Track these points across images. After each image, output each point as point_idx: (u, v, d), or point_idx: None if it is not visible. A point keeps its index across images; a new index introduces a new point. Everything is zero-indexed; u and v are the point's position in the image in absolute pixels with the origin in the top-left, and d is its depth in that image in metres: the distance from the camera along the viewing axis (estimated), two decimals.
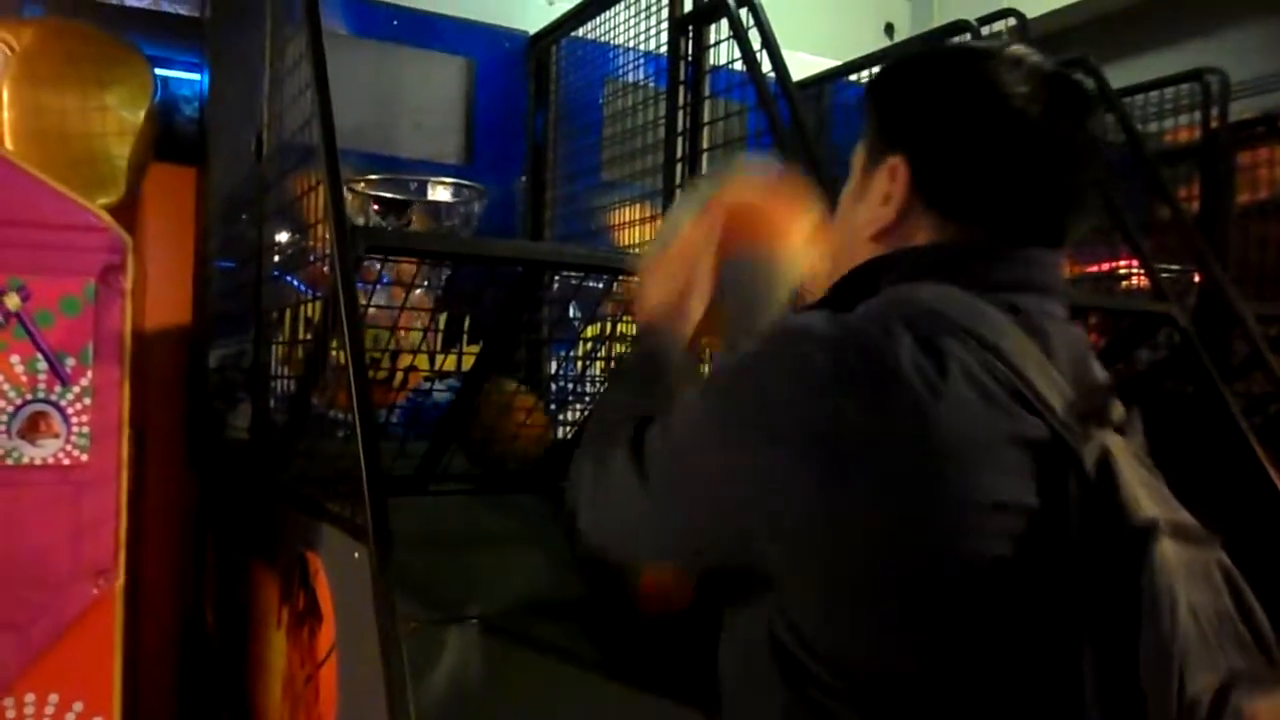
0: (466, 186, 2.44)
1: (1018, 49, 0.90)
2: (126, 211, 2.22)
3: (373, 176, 2.41)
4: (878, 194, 0.92)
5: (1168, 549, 0.73)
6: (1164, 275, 2.66)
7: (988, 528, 0.75)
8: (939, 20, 4.17)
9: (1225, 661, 0.74)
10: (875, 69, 3.31)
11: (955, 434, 0.75)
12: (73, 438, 1.71)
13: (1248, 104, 4.07)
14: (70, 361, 1.71)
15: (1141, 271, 2.73)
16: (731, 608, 0.92)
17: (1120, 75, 3.35)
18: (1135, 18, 5.06)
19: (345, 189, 2.38)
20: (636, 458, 0.91)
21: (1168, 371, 2.67)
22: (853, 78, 3.42)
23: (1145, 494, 0.77)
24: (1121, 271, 3.22)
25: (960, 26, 3.04)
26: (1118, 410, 0.82)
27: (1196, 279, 2.89)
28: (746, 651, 0.88)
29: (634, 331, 1.11)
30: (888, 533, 0.76)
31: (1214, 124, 3.24)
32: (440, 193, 2.42)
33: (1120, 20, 5.10)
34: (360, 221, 2.30)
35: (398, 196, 2.36)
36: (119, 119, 2.24)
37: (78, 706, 1.72)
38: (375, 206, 2.34)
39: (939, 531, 0.75)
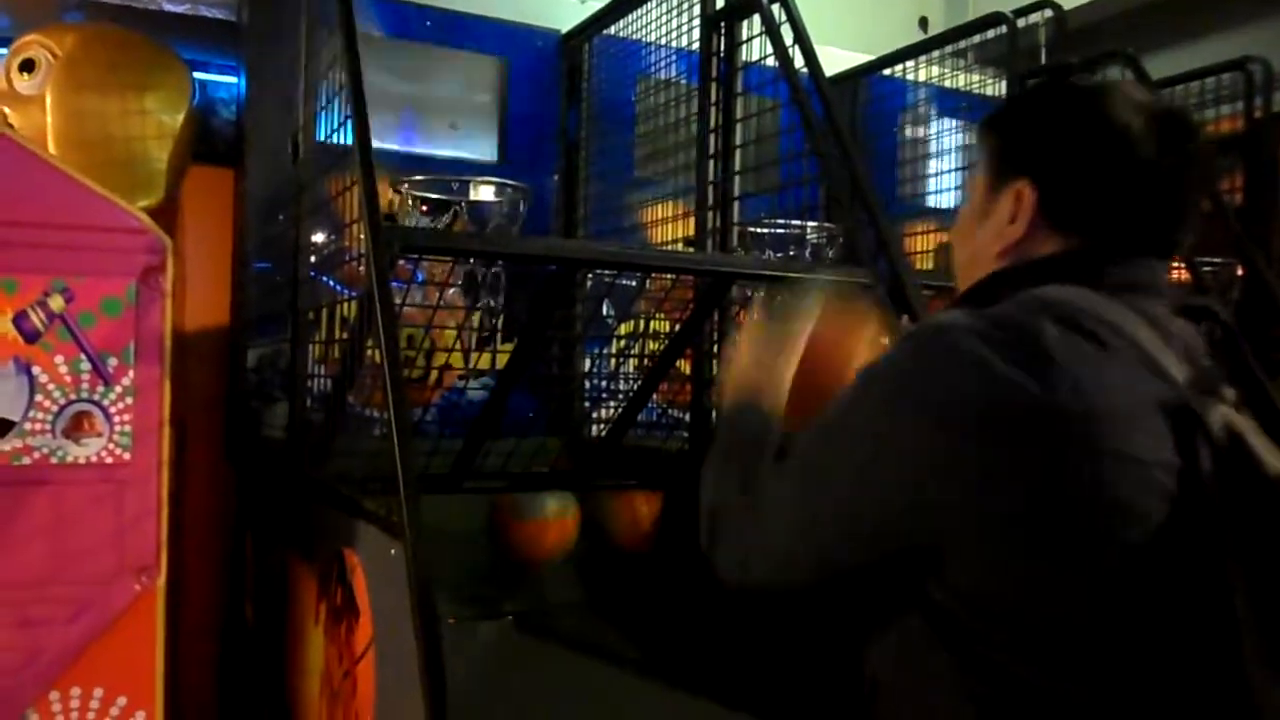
0: (511, 186, 2.45)
1: (1129, 88, 1.03)
2: (166, 213, 2.26)
3: (419, 178, 2.43)
4: (1004, 214, 1.04)
5: None
6: (1206, 269, 2.61)
7: (1143, 482, 0.85)
8: (974, 13, 4.12)
9: None
10: (909, 64, 3.29)
11: (1106, 401, 0.86)
12: (115, 436, 1.74)
13: None
14: (112, 361, 1.74)
15: (1183, 265, 2.69)
16: (875, 609, 1.01)
17: (1160, 65, 3.30)
18: (1174, 7, 4.97)
19: (391, 189, 2.41)
20: (780, 477, 1.02)
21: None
22: (886, 72, 3.40)
23: (1273, 456, 0.87)
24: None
25: (996, 19, 3.00)
26: (1230, 391, 0.93)
27: (1240, 272, 2.84)
28: (900, 639, 0.97)
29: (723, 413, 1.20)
30: (1054, 491, 0.85)
31: (1257, 114, 3.18)
32: (484, 192, 2.44)
33: (1159, 10, 5.02)
34: (409, 223, 2.33)
35: (443, 197, 2.38)
36: (158, 123, 2.27)
37: (121, 701, 1.75)
38: (423, 207, 2.36)
39: (1100, 485, 0.84)
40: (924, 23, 5.76)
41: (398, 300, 1.78)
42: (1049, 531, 0.86)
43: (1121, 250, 0.99)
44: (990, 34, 3.05)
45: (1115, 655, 0.87)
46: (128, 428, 1.75)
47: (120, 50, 2.30)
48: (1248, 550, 0.83)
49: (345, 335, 1.99)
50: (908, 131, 3.44)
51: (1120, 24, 5.00)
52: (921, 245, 3.31)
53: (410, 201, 2.37)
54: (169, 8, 2.70)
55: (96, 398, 1.73)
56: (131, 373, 1.75)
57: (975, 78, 3.25)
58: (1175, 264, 2.91)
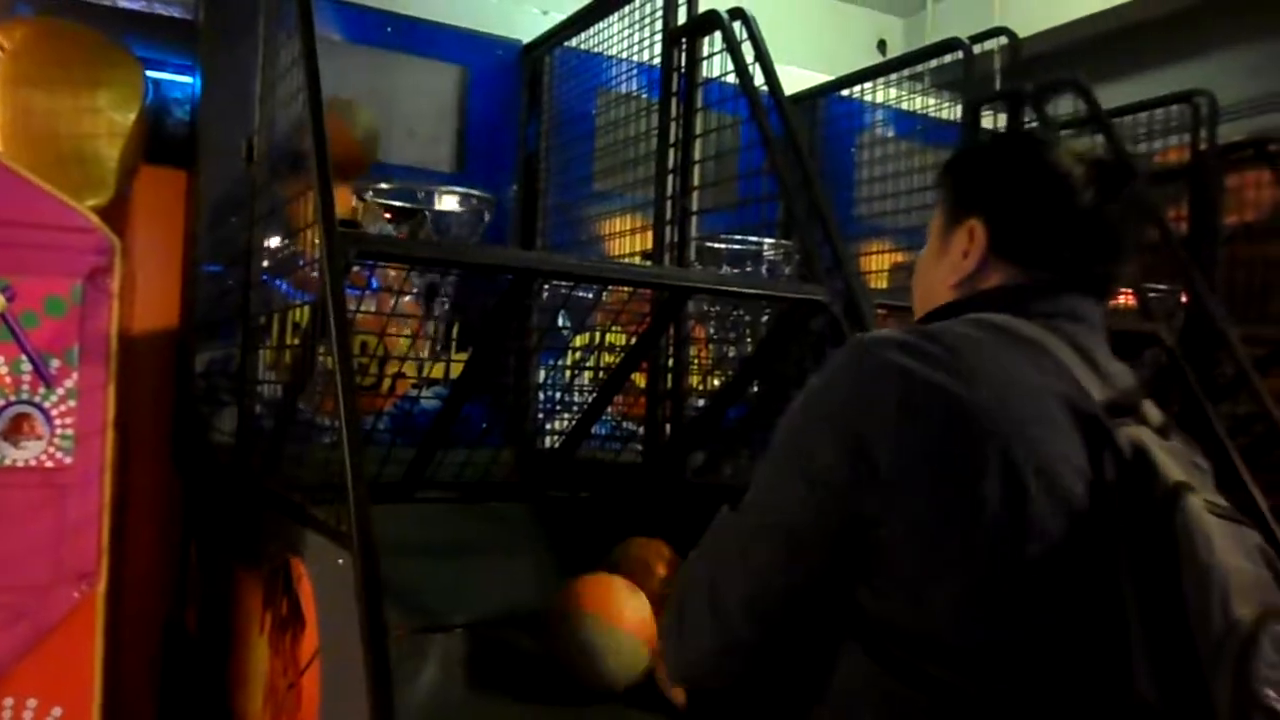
0: (476, 196, 2.45)
1: (1073, 142, 1.15)
2: (115, 213, 2.22)
3: (383, 185, 2.42)
4: (958, 250, 1.12)
5: (1199, 505, 0.87)
6: (1151, 295, 2.67)
7: (1054, 482, 0.89)
8: (931, 38, 4.18)
9: (1262, 601, 0.84)
10: (866, 85, 3.33)
11: (1024, 402, 0.92)
12: (56, 440, 1.70)
13: (1236, 127, 4.10)
14: (55, 363, 1.70)
15: (1129, 291, 2.74)
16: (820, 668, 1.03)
17: (1111, 95, 3.37)
18: (1125, 39, 5.10)
19: (355, 196, 2.39)
20: (728, 517, 1.07)
21: (1154, 390, 2.68)
22: (845, 93, 3.44)
23: (1181, 472, 0.90)
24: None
25: (952, 45, 3.05)
26: (1155, 415, 0.98)
27: (1184, 299, 2.91)
28: (835, 664, 1.00)
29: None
30: (973, 486, 0.89)
31: (1202, 146, 3.26)
32: (448, 202, 2.43)
33: (1111, 41, 5.15)
34: (373, 230, 2.31)
35: (407, 205, 2.37)
36: (109, 121, 2.24)
37: (57, 711, 1.70)
38: (387, 215, 2.35)
39: (1015, 481, 0.89)
40: (882, 45, 5.86)
41: (352, 307, 1.77)
42: (967, 525, 0.89)
43: (1059, 285, 1.07)
44: (947, 59, 3.10)
45: (1021, 656, 0.90)
46: (69, 431, 1.71)
47: (71, 46, 2.26)
48: (1139, 563, 0.87)
49: (297, 341, 1.97)
50: (865, 152, 3.48)
51: (1073, 53, 5.13)
52: (877, 265, 3.35)
53: (375, 209, 2.35)
54: (124, 4, 2.66)
55: (37, 400, 1.69)
56: (75, 375, 1.71)
57: (931, 101, 3.30)
58: (1122, 290, 2.99)
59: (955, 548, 0.90)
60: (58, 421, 1.70)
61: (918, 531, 0.92)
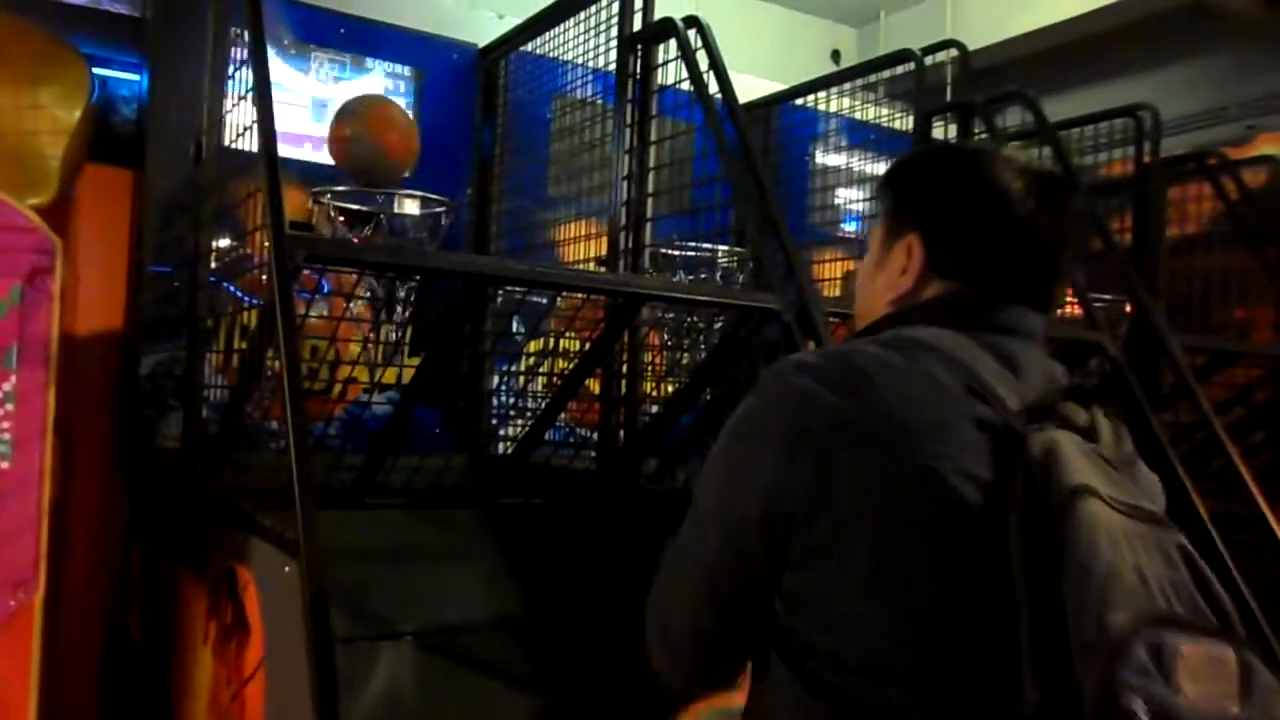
0: (436, 200, 2.42)
1: (1011, 153, 1.13)
2: (58, 213, 2.17)
3: (339, 188, 2.39)
4: (896, 265, 1.12)
5: (1099, 508, 0.86)
6: (1096, 305, 2.72)
7: (949, 491, 0.91)
8: (884, 49, 4.24)
9: (1165, 610, 0.83)
10: (820, 94, 3.36)
11: (918, 415, 0.93)
12: None
13: (1179, 141, 4.20)
14: None
15: (1075, 301, 2.79)
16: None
17: (1058, 108, 3.44)
18: (1073, 54, 5.20)
19: (311, 200, 2.36)
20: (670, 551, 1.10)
21: (1098, 398, 2.73)
22: (799, 101, 3.47)
23: (1094, 475, 0.90)
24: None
25: (904, 56, 3.10)
26: (1080, 416, 0.98)
27: (1128, 309, 2.97)
28: (766, 681, 1.02)
29: None
30: (866, 499, 0.92)
31: (1147, 159, 3.33)
32: (407, 206, 2.41)
33: (1059, 55, 5.25)
34: (326, 233, 2.28)
35: (364, 208, 2.34)
36: (52, 118, 2.19)
37: None
38: (342, 218, 2.32)
39: (907, 492, 0.91)
40: (836, 56, 5.92)
41: (301, 310, 1.74)
42: (861, 540, 0.92)
43: (996, 297, 1.07)
44: (899, 70, 3.15)
45: (918, 666, 0.91)
46: (7, 435, 1.67)
47: (13, 41, 2.21)
48: (1030, 566, 0.87)
49: (245, 345, 1.94)
50: (818, 160, 3.51)
51: (1022, 67, 5.22)
52: (829, 273, 3.38)
53: (331, 212, 2.32)
54: None
55: None
56: (13, 377, 1.67)
57: (884, 111, 3.34)
58: (1068, 300, 3.04)
59: (851, 562, 0.92)
60: None
61: (815, 550, 0.94)
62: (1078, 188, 1.13)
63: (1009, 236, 1.07)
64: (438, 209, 2.42)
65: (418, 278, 2.31)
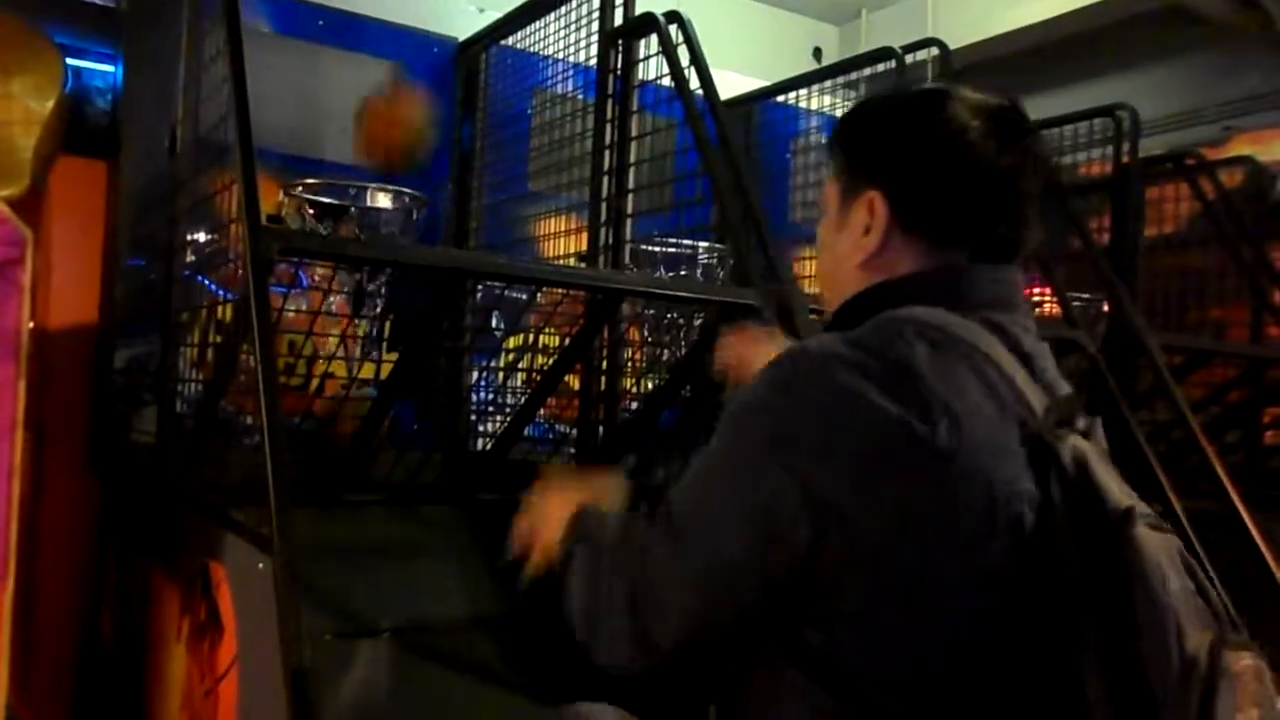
0: (408, 194, 2.40)
1: (965, 91, 1.04)
2: (30, 204, 2.14)
3: (311, 181, 2.36)
4: (858, 225, 1.05)
5: (1147, 533, 0.85)
6: (1075, 303, 2.73)
7: (1010, 512, 0.87)
8: (865, 46, 4.24)
9: (1204, 625, 0.84)
10: (802, 91, 3.36)
11: (979, 433, 0.88)
12: None
13: (1157, 141, 4.23)
14: None
15: (1054, 299, 2.80)
16: (733, 663, 1.01)
17: (1037, 107, 3.44)
18: (1052, 53, 5.23)
19: (283, 193, 2.34)
20: (663, 537, 0.99)
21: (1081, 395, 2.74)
22: (780, 99, 3.46)
23: (1116, 487, 0.89)
24: (1035, 299, 3.30)
25: (885, 54, 3.10)
26: (1081, 420, 0.95)
27: (1105, 308, 2.98)
28: (768, 690, 0.96)
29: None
30: (931, 521, 0.87)
31: (1125, 159, 3.35)
32: (380, 199, 2.38)
33: (1038, 55, 5.27)
34: (296, 226, 2.25)
35: (335, 202, 2.32)
36: (25, 108, 2.16)
37: None
38: (312, 211, 2.29)
39: (973, 514, 0.87)
40: (818, 53, 5.92)
41: (277, 305, 1.72)
42: (923, 561, 0.87)
43: (976, 257, 1.01)
44: (880, 68, 3.15)
45: (977, 690, 0.88)
46: None
47: None
48: (1093, 597, 0.85)
49: (220, 339, 1.92)
50: (799, 157, 3.51)
51: (1002, 66, 5.24)
52: (810, 269, 3.37)
53: (300, 205, 2.29)
54: None
55: None
56: None
57: None
58: (1047, 300, 3.06)
59: (890, 575, 0.88)
60: None
61: (876, 575, 0.88)
62: (1034, 128, 1.06)
63: (974, 180, 1.00)
64: (410, 203, 2.40)
65: (389, 271, 2.28)
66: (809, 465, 0.89)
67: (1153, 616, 0.82)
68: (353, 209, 2.29)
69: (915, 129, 1.03)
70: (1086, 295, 3.05)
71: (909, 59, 3.08)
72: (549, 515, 1.22)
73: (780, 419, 0.93)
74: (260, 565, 1.39)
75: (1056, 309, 2.77)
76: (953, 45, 3.25)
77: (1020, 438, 0.90)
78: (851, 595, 0.89)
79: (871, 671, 0.89)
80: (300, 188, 2.33)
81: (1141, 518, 0.86)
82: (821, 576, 0.90)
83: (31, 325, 1.73)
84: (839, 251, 1.08)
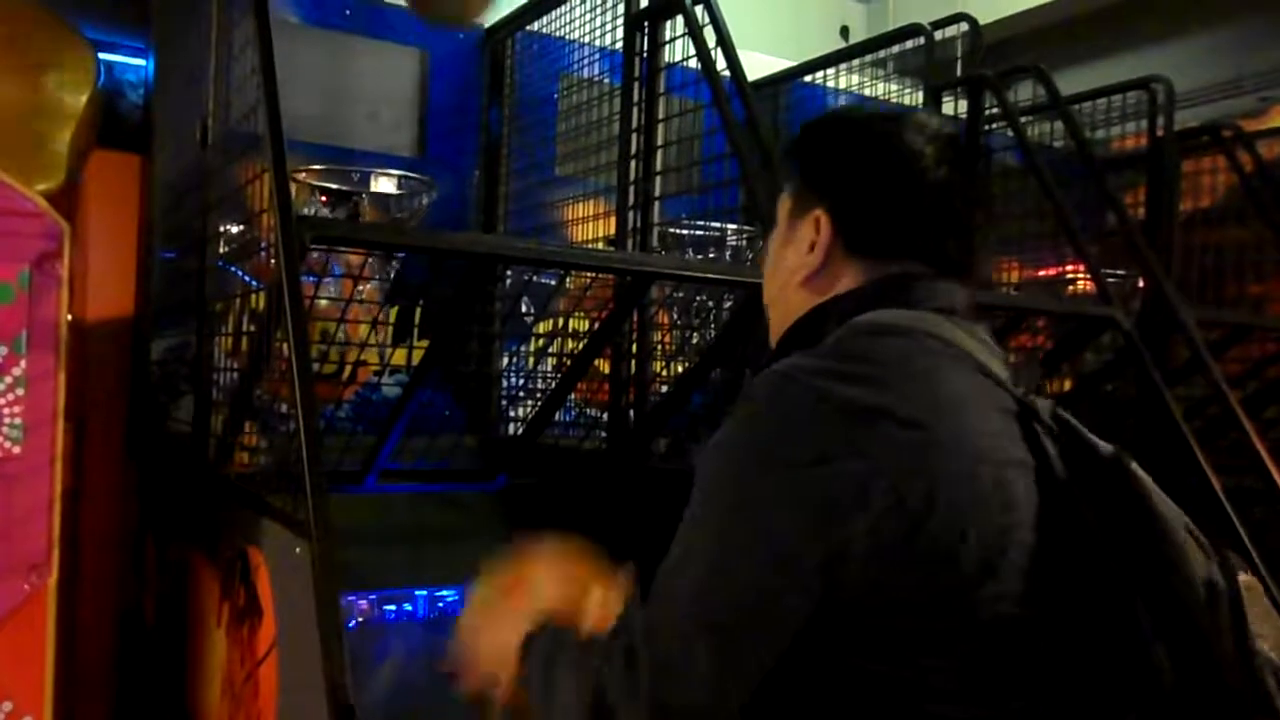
0: (414, 178, 2.40)
1: (919, 116, 1.06)
2: (66, 198, 2.17)
3: (316, 166, 2.36)
4: (804, 241, 1.05)
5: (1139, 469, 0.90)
6: (1109, 280, 2.70)
7: (1008, 482, 0.88)
8: (894, 24, 4.19)
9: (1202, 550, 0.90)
10: (829, 71, 3.34)
11: (965, 413, 0.90)
12: (4, 429, 1.66)
13: (1192, 113, 4.15)
14: (2, 350, 1.66)
15: (1088, 276, 2.77)
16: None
17: (1070, 82, 3.40)
18: (1085, 26, 5.15)
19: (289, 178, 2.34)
20: (662, 601, 0.89)
21: (1112, 374, 2.71)
22: (808, 79, 3.44)
23: (1094, 437, 0.92)
24: (1068, 276, 3.26)
25: (914, 31, 3.07)
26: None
27: (1141, 284, 2.94)
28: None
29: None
30: (939, 509, 0.85)
31: (1160, 132, 3.29)
32: (385, 184, 2.38)
33: (1070, 28, 5.19)
34: (306, 212, 2.26)
35: (343, 188, 2.32)
36: (59, 103, 2.19)
37: (6, 706, 1.67)
38: (322, 198, 2.30)
39: (979, 497, 0.87)
40: (845, 32, 5.87)
41: (309, 293, 1.74)
42: (940, 550, 0.85)
43: (926, 275, 1.01)
44: (909, 45, 3.12)
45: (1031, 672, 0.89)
46: (18, 420, 1.67)
47: (20, 26, 2.20)
48: (1115, 539, 0.87)
49: (254, 328, 1.94)
50: None
51: (1033, 40, 5.16)
52: None
53: (308, 191, 2.29)
54: None
55: None
56: (23, 363, 1.67)
57: (894, 87, 3.31)
58: (1080, 275, 3.02)
59: (945, 596, 0.86)
60: (5, 410, 1.66)
61: (902, 596, 0.86)
62: (966, 149, 1.05)
63: (926, 207, 1.00)
64: (418, 186, 2.40)
65: (401, 255, 2.27)
66: (805, 479, 0.86)
67: (1178, 550, 0.87)
68: (362, 194, 2.29)
69: (865, 148, 1.04)
70: (1121, 271, 3.01)
71: (938, 35, 3.05)
72: (492, 640, 1.06)
73: (766, 444, 0.89)
74: (297, 550, 1.41)
75: (1090, 285, 2.74)
76: (983, 20, 3.22)
77: (999, 409, 0.92)
78: (881, 597, 0.86)
79: (921, 687, 0.87)
80: (305, 173, 2.32)
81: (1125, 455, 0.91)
82: (853, 590, 0.86)
83: (70, 318, 1.75)
84: (784, 267, 1.08)
